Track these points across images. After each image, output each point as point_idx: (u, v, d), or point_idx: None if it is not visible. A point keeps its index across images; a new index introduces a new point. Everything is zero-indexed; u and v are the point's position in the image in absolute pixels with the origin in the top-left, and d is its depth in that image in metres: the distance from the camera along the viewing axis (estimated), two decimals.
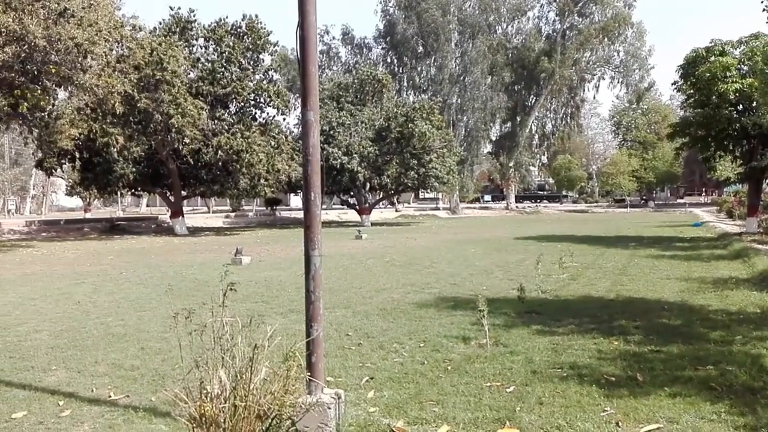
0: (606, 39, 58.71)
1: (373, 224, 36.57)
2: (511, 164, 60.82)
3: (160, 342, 6.78)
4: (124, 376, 5.50)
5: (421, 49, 55.27)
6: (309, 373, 3.81)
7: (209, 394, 3.11)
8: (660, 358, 5.77)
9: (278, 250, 19.95)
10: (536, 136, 66.55)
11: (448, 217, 49.32)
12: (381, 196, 42.47)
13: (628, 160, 66.82)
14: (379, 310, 8.62)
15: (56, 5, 17.98)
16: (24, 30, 17.04)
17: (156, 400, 4.79)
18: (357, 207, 38.98)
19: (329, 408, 3.83)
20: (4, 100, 18.38)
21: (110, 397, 4.92)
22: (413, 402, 4.70)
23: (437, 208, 58.31)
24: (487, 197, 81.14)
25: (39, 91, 19.26)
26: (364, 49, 58.80)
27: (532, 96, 60.60)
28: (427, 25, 52.36)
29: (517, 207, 63.23)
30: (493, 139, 64.21)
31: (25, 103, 18.75)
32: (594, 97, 76.98)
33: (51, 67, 18.64)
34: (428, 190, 51.00)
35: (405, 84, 57.66)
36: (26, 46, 17.52)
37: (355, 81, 39.31)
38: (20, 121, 20.63)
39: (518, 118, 60.42)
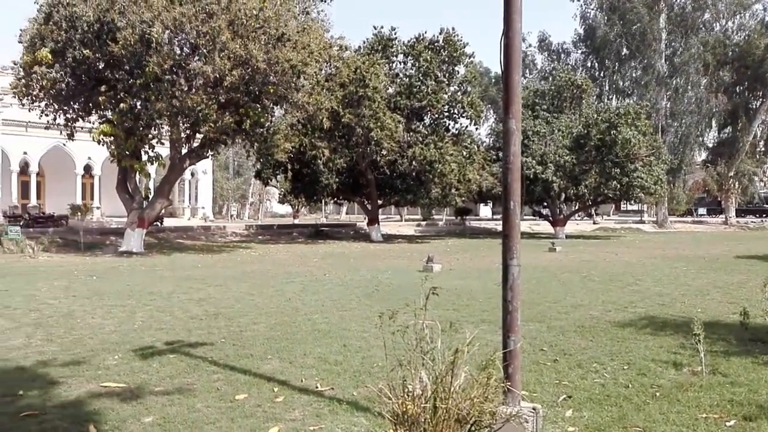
0: None
1: (567, 237, 35.04)
2: (731, 173, 54.17)
3: (360, 341, 7.15)
4: (329, 369, 5.88)
5: (625, 51, 51.82)
6: (510, 383, 3.74)
7: (411, 394, 3.20)
8: None
9: (468, 259, 20.00)
10: (762, 142, 58.64)
11: (654, 231, 45.47)
12: (577, 207, 40.55)
13: None
14: (576, 326, 8.21)
15: (275, 31, 20.00)
16: (248, 55, 19.21)
17: (357, 395, 5.05)
18: (550, 218, 37.64)
19: (527, 421, 3.72)
20: (231, 118, 20.84)
21: (317, 388, 5.29)
22: (616, 426, 4.39)
23: (642, 221, 53.91)
24: (702, 210, 73.24)
25: (259, 109, 21.57)
26: (562, 55, 56.70)
27: (757, 98, 53.59)
28: (631, 26, 49.00)
29: (737, 222, 56.14)
30: (710, 145, 57.88)
31: (248, 120, 21.08)
32: None
33: (270, 87, 20.77)
34: (632, 202, 47.44)
35: (606, 88, 54.44)
36: (250, 69, 19.72)
37: (552, 87, 38.09)
38: (243, 137, 23.21)
39: (740, 123, 53.77)
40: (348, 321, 8.47)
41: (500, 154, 33.86)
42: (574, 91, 37.56)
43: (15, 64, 21.55)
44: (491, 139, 39.83)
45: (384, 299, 10.40)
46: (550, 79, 42.42)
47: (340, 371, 5.82)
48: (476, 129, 34.37)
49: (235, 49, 18.98)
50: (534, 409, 3.96)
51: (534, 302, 10.22)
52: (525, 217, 45.72)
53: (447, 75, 31.38)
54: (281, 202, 40.63)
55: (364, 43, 31.40)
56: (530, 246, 25.17)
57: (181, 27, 19.19)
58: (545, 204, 37.78)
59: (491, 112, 53.56)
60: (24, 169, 33.32)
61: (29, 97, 21.27)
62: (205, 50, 19.47)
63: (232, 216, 54.63)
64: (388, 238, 32.88)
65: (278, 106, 23.31)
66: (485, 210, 59.34)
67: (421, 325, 3.47)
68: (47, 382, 5.46)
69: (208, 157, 29.17)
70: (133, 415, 4.57)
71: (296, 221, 45.65)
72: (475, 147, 32.98)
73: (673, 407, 4.81)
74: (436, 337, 3.56)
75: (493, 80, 59.72)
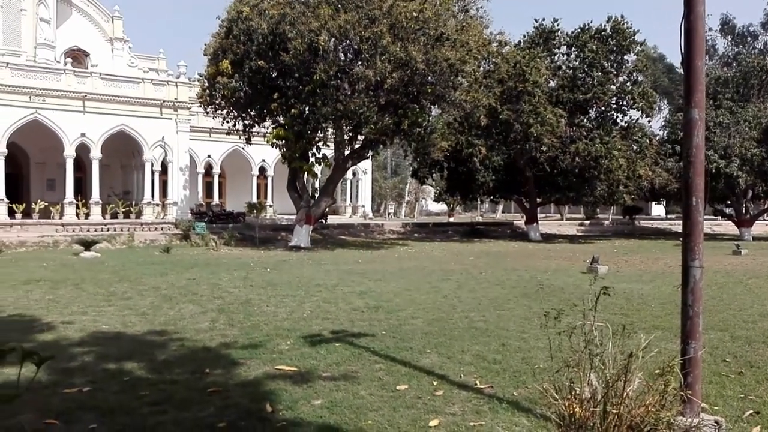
0: None
1: (755, 238, 31.42)
2: None
3: (519, 341, 6.98)
4: (487, 368, 5.82)
5: None
6: (689, 392, 3.43)
7: (579, 396, 3.06)
8: None
9: (638, 261, 18.71)
10: None
11: None
12: (767, 206, 36.25)
13: None
14: (765, 337, 7.34)
15: (434, 31, 20.22)
16: (408, 56, 19.63)
17: (518, 395, 4.94)
18: (735, 218, 34.02)
19: None
20: (391, 119, 21.44)
21: (476, 385, 5.26)
22: None
23: None
24: None
25: (417, 109, 21.95)
26: (748, 38, 51.05)
27: None
28: None
29: None
30: None
31: (406, 121, 21.55)
32: None
33: (428, 87, 21.06)
34: None
35: None
36: (409, 71, 20.14)
37: (737, 74, 34.44)
38: (401, 137, 23.79)
39: None
40: (506, 320, 8.32)
41: (676, 148, 31.49)
42: (764, 77, 33.65)
43: (200, 76, 24.01)
44: (665, 132, 36.89)
45: (544, 300, 10.07)
46: (735, 65, 38.44)
47: (499, 370, 5.73)
48: (648, 121, 32.04)
49: (395, 51, 19.49)
50: (716, 422, 3.61)
51: (716, 309, 9.30)
52: (705, 217, 41.70)
53: (615, 65, 29.64)
54: (437, 200, 41.02)
55: (525, 37, 30.66)
56: (711, 248, 22.94)
57: (346, 34, 20.10)
58: (728, 202, 34.25)
59: (664, 102, 49.50)
60: (208, 170, 37.00)
61: (212, 106, 23.62)
62: (367, 55, 20.22)
63: (389, 214, 56.16)
64: (548, 238, 31.80)
65: (435, 106, 23.55)
66: (658, 209, 55.12)
67: (590, 327, 3.30)
68: (229, 363, 6.00)
69: (368, 157, 30.27)
70: (304, 397, 4.88)
71: (451, 219, 45.81)
72: (647, 141, 30.75)
73: None
74: (606, 341, 3.37)
75: (667, 68, 55.23)
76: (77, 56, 32.44)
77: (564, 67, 30.20)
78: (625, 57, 29.78)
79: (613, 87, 29.21)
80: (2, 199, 25.63)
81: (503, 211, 60.73)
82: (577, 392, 3.09)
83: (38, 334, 7.26)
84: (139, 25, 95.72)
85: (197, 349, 6.57)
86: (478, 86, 23.08)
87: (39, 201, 27.24)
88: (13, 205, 26.03)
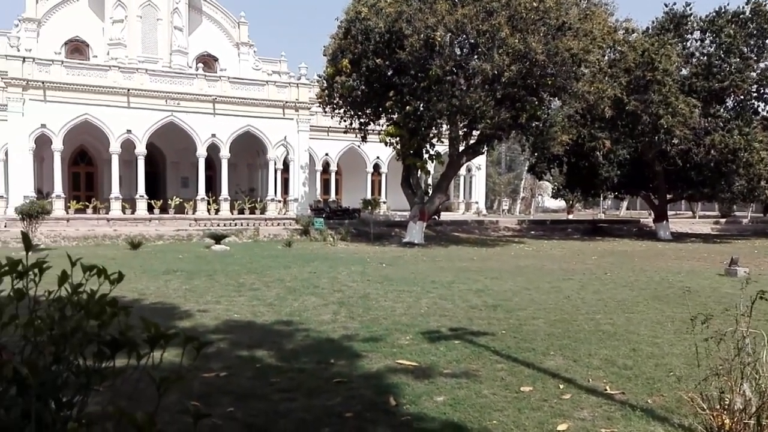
0: None
1: None
2: None
3: (652, 346, 6.59)
4: (618, 373, 5.54)
5: None
6: None
7: (729, 407, 2.81)
8: None
9: None
10: None
11: None
12: None
13: None
14: None
15: (555, 21, 19.53)
16: (527, 48, 19.10)
17: (652, 403, 4.66)
18: None
19: None
20: (507, 113, 20.96)
21: (605, 390, 5.02)
22: None
23: None
24: None
25: (536, 102, 21.31)
26: None
27: None
28: None
29: None
30: None
31: (524, 114, 20.97)
32: None
33: (548, 79, 20.37)
34: None
35: None
36: (527, 63, 19.60)
37: None
38: (518, 131, 23.19)
39: None
40: (636, 324, 7.87)
41: None
42: None
43: (320, 77, 24.82)
44: None
45: (677, 304, 9.42)
46: None
47: (631, 376, 5.43)
48: None
49: (514, 43, 19.05)
50: None
51: None
52: None
53: (755, 50, 27.16)
54: (555, 196, 39.67)
55: (653, 23, 28.85)
56: None
57: (462, 28, 19.92)
58: None
59: None
60: (325, 168, 38.22)
61: (331, 105, 24.32)
62: (484, 48, 19.93)
63: (503, 211, 55.08)
64: (679, 237, 29.79)
65: (556, 98, 22.74)
66: None
67: (743, 334, 3.03)
68: (352, 355, 6.15)
69: (483, 153, 29.80)
70: (426, 393, 4.89)
71: (570, 217, 44.14)
72: None
73: None
74: (759, 349, 3.08)
75: None
76: (207, 61, 34.69)
77: (697, 54, 28.08)
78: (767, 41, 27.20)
79: (754, 74, 26.79)
80: (142, 196, 27.96)
81: (627, 208, 57.63)
82: (727, 403, 2.84)
83: (178, 321, 7.84)
84: (262, 29, 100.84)
85: (321, 340, 6.79)
86: (603, 76, 22.03)
87: (174, 197, 29.42)
88: (152, 201, 28.32)
